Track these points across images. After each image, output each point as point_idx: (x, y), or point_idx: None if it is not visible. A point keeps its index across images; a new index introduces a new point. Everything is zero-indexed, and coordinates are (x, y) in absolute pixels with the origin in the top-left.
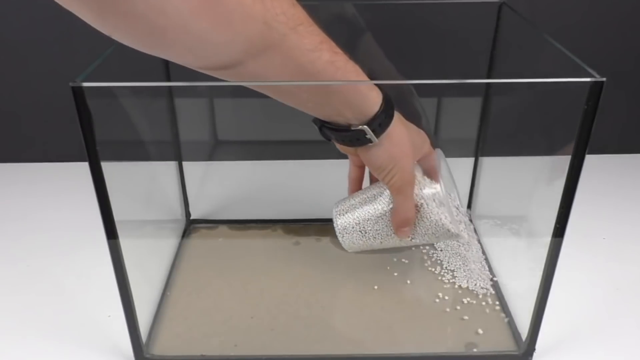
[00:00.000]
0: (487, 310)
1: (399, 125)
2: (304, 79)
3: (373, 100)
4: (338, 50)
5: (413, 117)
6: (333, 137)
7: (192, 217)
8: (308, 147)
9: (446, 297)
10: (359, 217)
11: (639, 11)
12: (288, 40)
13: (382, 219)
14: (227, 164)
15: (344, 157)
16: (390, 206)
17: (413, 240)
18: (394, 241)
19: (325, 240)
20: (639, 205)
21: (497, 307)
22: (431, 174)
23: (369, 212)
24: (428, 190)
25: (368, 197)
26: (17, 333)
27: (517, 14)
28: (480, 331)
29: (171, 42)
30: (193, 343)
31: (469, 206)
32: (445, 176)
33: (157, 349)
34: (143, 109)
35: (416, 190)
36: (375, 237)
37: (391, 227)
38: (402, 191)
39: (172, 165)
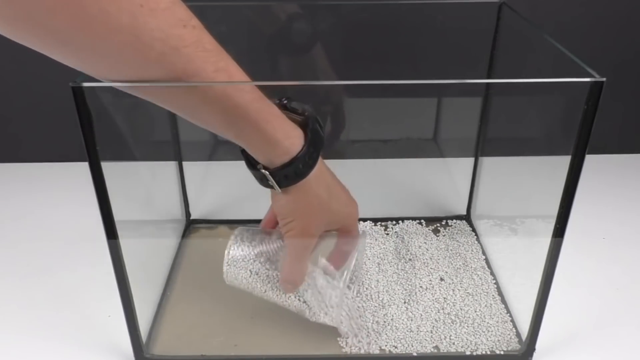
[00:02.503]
0: (487, 311)
1: (317, 184)
2: (197, 106)
3: (283, 150)
4: (245, 86)
5: (337, 121)
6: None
7: (192, 217)
8: None
9: (446, 298)
10: (256, 256)
11: (639, 11)
12: (168, 60)
13: (276, 269)
14: (227, 164)
15: (345, 157)
16: None
17: (297, 305)
18: (278, 297)
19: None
20: (639, 205)
21: (497, 307)
22: (339, 255)
23: (266, 255)
24: (322, 273)
25: (272, 239)
26: (17, 333)
27: (517, 14)
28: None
29: (30, 36)
30: (193, 343)
31: (469, 206)
32: (355, 264)
33: (157, 349)
34: (143, 109)
35: (313, 262)
36: (263, 282)
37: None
38: (293, 249)
39: (172, 165)
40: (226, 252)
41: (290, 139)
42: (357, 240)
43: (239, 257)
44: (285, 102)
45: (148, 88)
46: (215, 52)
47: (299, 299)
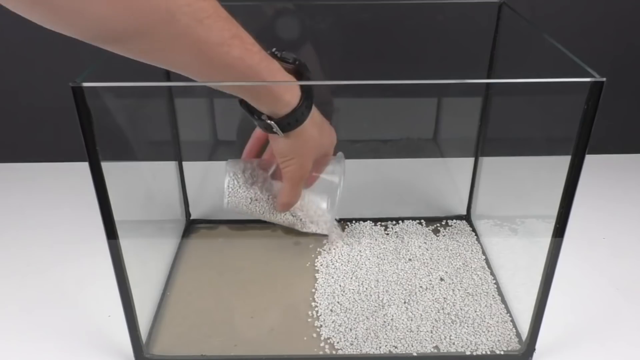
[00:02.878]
0: (487, 311)
1: (311, 126)
2: (213, 71)
3: (285, 102)
4: (254, 48)
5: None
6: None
7: (192, 217)
8: None
9: (446, 299)
10: (251, 185)
11: (639, 11)
12: (193, 32)
13: (273, 197)
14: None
15: (345, 157)
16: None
17: (290, 220)
18: (274, 216)
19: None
20: (639, 205)
21: (497, 307)
22: (312, 176)
23: (259, 182)
24: (312, 195)
25: (261, 168)
26: (17, 333)
27: (517, 14)
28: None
29: (66, 18)
30: (193, 343)
31: (469, 206)
32: (334, 180)
33: (157, 349)
34: (143, 109)
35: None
36: (261, 207)
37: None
38: (292, 181)
39: (172, 165)
40: (225, 185)
41: (289, 91)
42: (342, 163)
43: (238, 188)
44: (276, 52)
45: (166, 55)
46: (228, 19)
47: (292, 216)
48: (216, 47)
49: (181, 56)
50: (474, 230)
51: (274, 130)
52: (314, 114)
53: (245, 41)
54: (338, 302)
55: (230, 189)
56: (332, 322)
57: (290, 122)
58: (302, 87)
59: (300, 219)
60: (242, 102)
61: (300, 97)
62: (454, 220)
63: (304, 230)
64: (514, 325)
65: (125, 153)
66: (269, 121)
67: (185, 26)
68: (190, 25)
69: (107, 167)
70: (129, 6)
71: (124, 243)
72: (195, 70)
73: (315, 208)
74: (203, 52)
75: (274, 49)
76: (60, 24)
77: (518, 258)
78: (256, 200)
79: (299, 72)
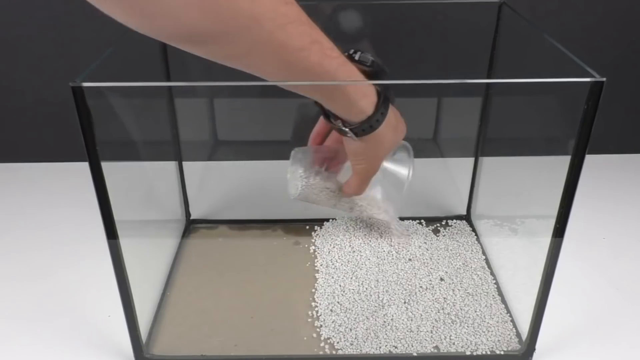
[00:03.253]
0: (487, 311)
1: (386, 129)
2: (290, 75)
3: (360, 109)
4: (333, 53)
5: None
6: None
7: (192, 217)
8: None
9: (446, 298)
10: (323, 175)
11: (639, 11)
12: (275, 38)
13: (338, 183)
14: (227, 164)
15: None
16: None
17: (352, 206)
18: (340, 205)
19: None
20: (639, 205)
21: (497, 307)
22: None
23: (334, 178)
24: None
25: (328, 157)
26: (17, 333)
27: (517, 14)
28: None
29: (151, 19)
30: (193, 343)
31: (469, 206)
32: (403, 172)
33: (157, 349)
34: (143, 109)
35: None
36: (329, 197)
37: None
38: (362, 177)
39: (172, 165)
40: (299, 174)
41: (366, 97)
42: (410, 153)
43: (310, 178)
44: (353, 54)
45: (245, 58)
46: (310, 24)
47: (355, 203)
48: (296, 52)
49: (260, 59)
50: (474, 230)
51: (349, 135)
52: (390, 115)
53: (325, 46)
54: (338, 302)
55: (304, 179)
56: (332, 322)
57: (364, 129)
58: (378, 93)
59: (362, 206)
60: (317, 104)
61: (376, 104)
62: (454, 220)
63: (364, 215)
64: (514, 325)
65: (125, 153)
66: (343, 127)
67: (268, 32)
68: (274, 31)
69: (107, 167)
70: (214, 11)
71: (124, 243)
72: (272, 73)
73: (380, 198)
74: (282, 56)
75: (351, 51)
76: (144, 25)
77: (518, 258)
78: (327, 188)
79: (376, 75)
